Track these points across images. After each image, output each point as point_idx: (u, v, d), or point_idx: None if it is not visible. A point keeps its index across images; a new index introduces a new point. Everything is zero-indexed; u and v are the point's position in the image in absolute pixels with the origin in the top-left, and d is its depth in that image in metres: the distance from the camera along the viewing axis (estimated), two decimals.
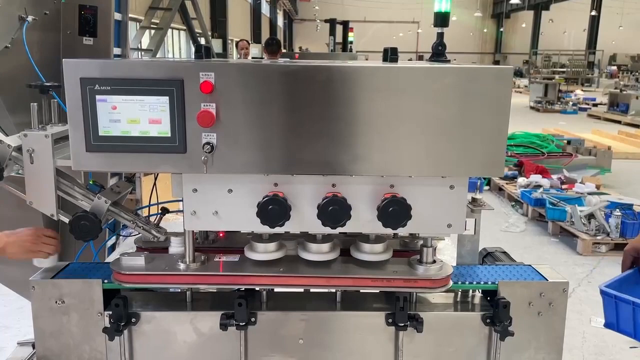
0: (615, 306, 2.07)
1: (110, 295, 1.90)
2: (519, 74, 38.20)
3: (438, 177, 1.72)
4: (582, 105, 21.96)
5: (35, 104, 1.85)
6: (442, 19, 2.11)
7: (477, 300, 2.02)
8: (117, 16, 3.16)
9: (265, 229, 1.73)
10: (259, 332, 1.90)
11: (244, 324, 1.85)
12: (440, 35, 2.13)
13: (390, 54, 1.84)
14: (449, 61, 2.05)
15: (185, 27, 14.92)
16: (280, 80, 1.59)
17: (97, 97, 1.59)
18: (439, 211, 1.76)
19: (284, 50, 16.69)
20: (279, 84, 1.59)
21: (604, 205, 6.26)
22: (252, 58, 10.98)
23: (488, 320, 1.91)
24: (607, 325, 2.13)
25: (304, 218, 1.74)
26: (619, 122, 17.52)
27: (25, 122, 1.87)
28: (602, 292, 2.12)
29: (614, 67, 38.44)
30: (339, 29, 14.43)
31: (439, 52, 2.08)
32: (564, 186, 7.71)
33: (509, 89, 1.62)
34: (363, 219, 1.75)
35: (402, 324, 1.86)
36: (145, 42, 11.58)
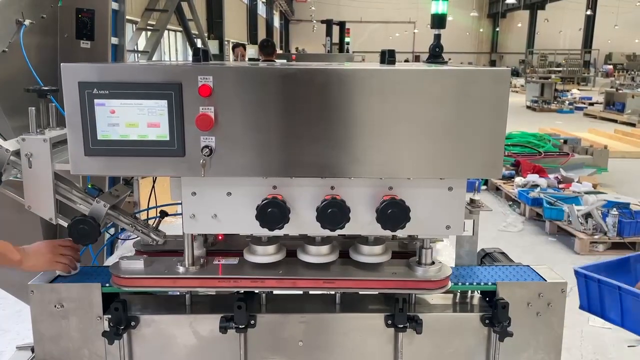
0: (586, 285, 2.09)
1: (110, 299, 1.90)
2: (515, 73, 38.28)
3: (436, 179, 1.73)
4: (578, 104, 22.03)
5: (33, 108, 1.85)
6: (439, 21, 2.11)
7: (475, 301, 2.03)
8: (114, 5, 3.16)
9: (265, 232, 1.73)
10: (258, 334, 1.90)
11: (243, 326, 1.85)
12: (437, 37, 2.13)
13: (388, 56, 1.85)
14: (446, 62, 2.06)
15: (181, 29, 14.90)
16: (278, 83, 1.59)
17: (96, 101, 1.59)
18: (438, 213, 1.76)
19: (280, 51, 16.68)
20: (277, 87, 1.59)
21: (601, 205, 6.28)
22: (249, 59, 10.98)
23: (487, 321, 1.91)
24: (581, 307, 2.15)
25: (303, 220, 1.74)
26: (615, 121, 17.58)
27: (24, 126, 1.87)
28: (575, 272, 2.14)
29: (610, 66, 38.58)
30: (336, 29, 14.41)
31: (436, 54, 2.08)
32: (561, 185, 7.74)
33: (506, 91, 1.62)
34: (362, 221, 1.75)
35: (402, 326, 1.86)
36: (141, 43, 11.57)
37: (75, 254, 1.96)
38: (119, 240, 2.73)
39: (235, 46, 11.09)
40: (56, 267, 1.93)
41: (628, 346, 4.02)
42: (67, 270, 1.94)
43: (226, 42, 21.32)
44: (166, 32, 15.73)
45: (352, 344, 1.93)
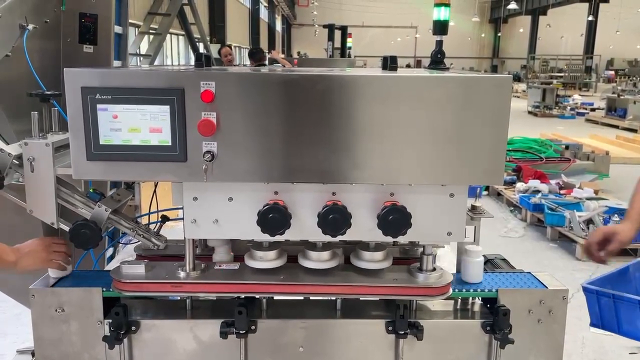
0: (598, 302, 2.07)
1: (110, 304, 1.90)
2: (517, 78, 38.26)
3: (438, 185, 1.73)
4: (580, 109, 22.01)
5: (36, 112, 1.85)
6: (440, 28, 2.12)
7: (477, 307, 2.02)
8: (117, 29, 3.17)
9: (266, 238, 1.73)
10: (259, 340, 1.90)
11: (244, 332, 1.85)
12: (439, 43, 2.14)
13: (390, 63, 1.85)
14: (447, 68, 2.07)
15: (183, 32, 14.94)
16: (280, 89, 1.60)
17: (98, 106, 1.59)
18: (439, 219, 1.76)
19: (282, 55, 16.76)
20: (279, 92, 1.60)
21: (602, 211, 6.27)
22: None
23: (488, 328, 1.91)
24: (593, 324, 2.12)
25: (304, 226, 1.74)
26: (616, 126, 17.56)
27: (26, 130, 1.87)
28: (585, 289, 2.11)
29: (612, 72, 38.59)
30: (337, 34, 14.47)
31: (438, 60, 2.10)
32: (562, 191, 7.73)
33: (508, 98, 1.62)
34: (363, 227, 1.75)
35: (402, 332, 1.86)
36: (143, 47, 11.59)
37: (68, 250, 1.96)
38: (120, 245, 2.73)
39: (221, 48, 10.73)
40: (50, 265, 1.93)
41: (629, 353, 4.01)
42: (61, 268, 1.94)
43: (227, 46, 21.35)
44: (168, 35, 15.76)
45: (353, 350, 1.93)
